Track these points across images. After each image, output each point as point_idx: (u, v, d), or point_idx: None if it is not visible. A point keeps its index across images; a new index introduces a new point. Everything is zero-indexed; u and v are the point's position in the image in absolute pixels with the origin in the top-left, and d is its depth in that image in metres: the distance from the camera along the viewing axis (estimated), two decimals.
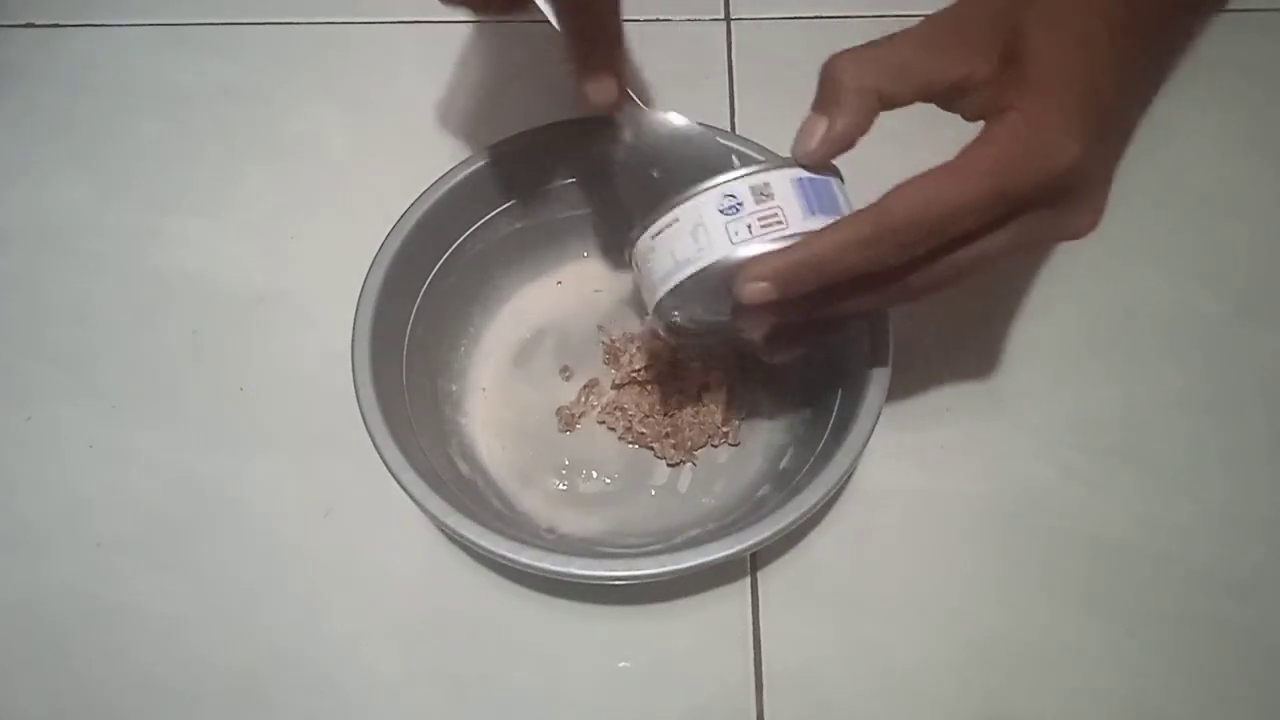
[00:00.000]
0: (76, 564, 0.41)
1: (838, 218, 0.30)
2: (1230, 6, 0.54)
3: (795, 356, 0.35)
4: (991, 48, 0.29)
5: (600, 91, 0.35)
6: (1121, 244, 0.47)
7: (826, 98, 0.30)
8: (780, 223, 0.30)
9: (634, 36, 0.54)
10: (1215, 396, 0.43)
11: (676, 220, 0.31)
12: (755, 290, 0.29)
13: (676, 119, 0.37)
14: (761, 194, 0.30)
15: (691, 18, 0.56)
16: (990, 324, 0.45)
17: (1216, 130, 0.51)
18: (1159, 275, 0.46)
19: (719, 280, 0.31)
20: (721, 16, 0.56)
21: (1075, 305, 0.46)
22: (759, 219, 0.30)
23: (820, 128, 0.30)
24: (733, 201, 0.30)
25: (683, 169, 0.34)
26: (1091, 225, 0.30)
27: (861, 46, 0.30)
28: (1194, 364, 0.44)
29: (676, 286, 0.31)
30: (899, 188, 0.28)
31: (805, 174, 0.31)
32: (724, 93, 0.53)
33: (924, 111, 0.31)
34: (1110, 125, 0.29)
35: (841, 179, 0.32)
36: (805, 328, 0.34)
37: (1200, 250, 0.47)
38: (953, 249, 0.29)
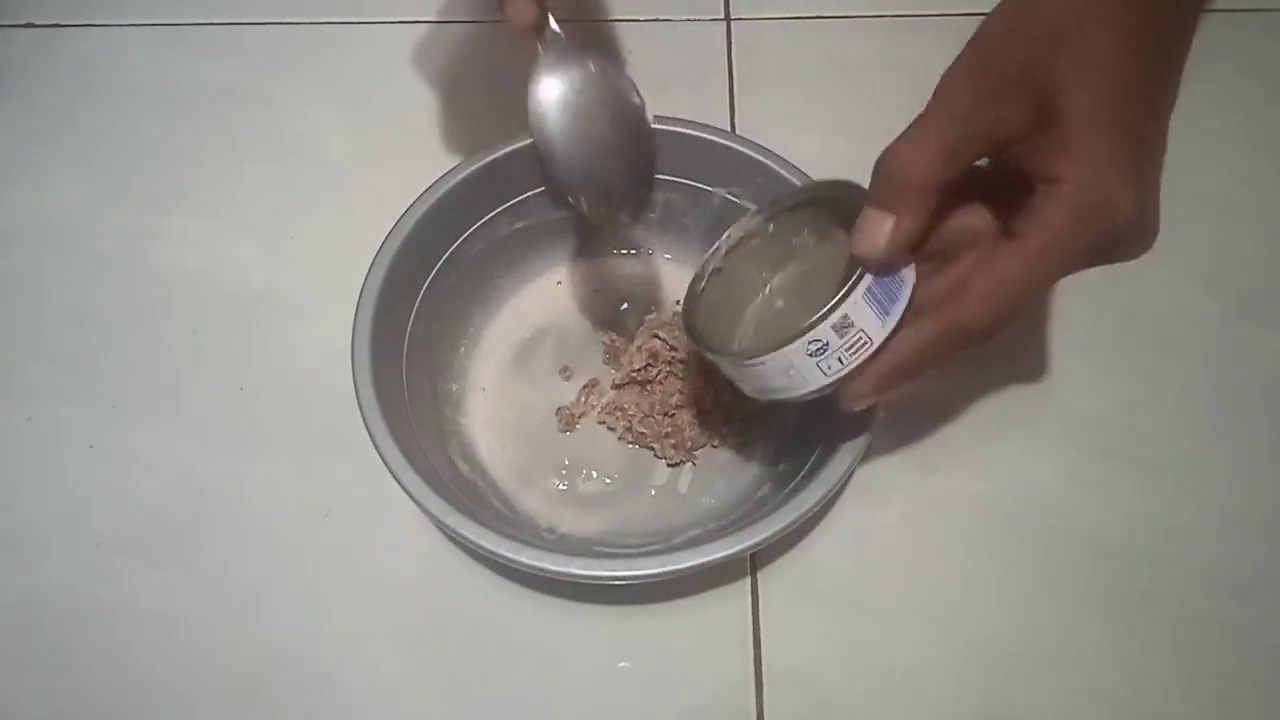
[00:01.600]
0: (76, 564, 0.41)
1: (905, 304, 0.30)
2: (1230, 7, 0.54)
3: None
4: (1029, 99, 0.28)
5: (520, 11, 0.34)
6: None
7: (887, 193, 0.28)
8: (866, 344, 0.30)
9: (634, 36, 0.54)
10: (1215, 396, 0.43)
11: (763, 364, 0.32)
12: (859, 405, 0.31)
13: (594, 61, 0.37)
14: (843, 327, 0.30)
15: (691, 18, 0.56)
16: None
17: (1216, 130, 0.51)
18: (1159, 275, 0.46)
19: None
20: (721, 16, 0.56)
21: (1075, 305, 0.46)
22: (847, 349, 0.30)
23: (886, 226, 0.28)
24: (819, 344, 0.30)
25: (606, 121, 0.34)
26: (1149, 246, 0.30)
27: (913, 130, 0.28)
28: (1194, 363, 0.44)
29: (771, 402, 0.33)
30: (972, 283, 0.28)
31: (873, 280, 0.30)
32: (724, 93, 0.53)
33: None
34: (1153, 155, 0.29)
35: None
36: None
37: (1200, 250, 0.47)
38: None
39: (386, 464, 0.35)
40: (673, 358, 0.43)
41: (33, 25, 0.57)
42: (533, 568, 0.33)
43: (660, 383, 0.43)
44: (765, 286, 0.37)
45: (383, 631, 0.39)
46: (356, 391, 0.36)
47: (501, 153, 0.41)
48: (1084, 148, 0.27)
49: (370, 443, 0.35)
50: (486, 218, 0.43)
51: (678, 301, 0.45)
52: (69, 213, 0.50)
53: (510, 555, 0.33)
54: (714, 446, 0.42)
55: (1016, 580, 0.39)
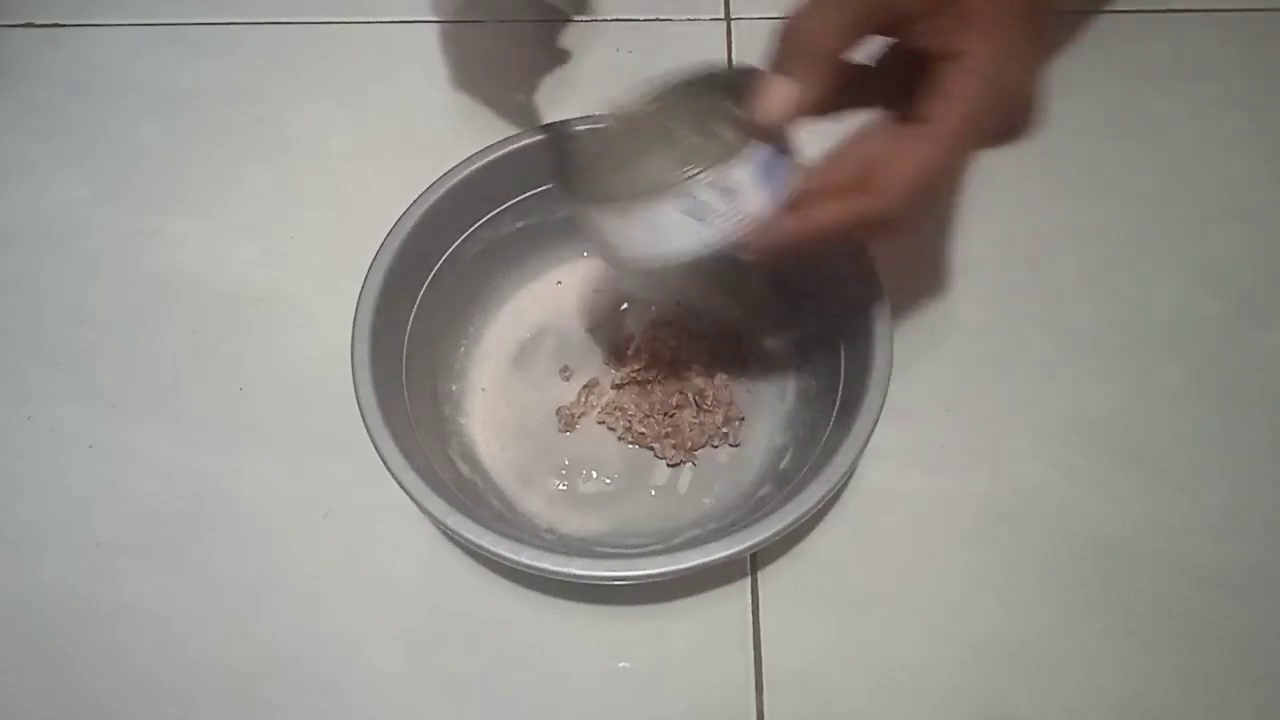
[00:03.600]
0: (76, 564, 0.41)
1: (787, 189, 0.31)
2: (1232, 6, 0.54)
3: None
4: None
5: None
6: (1121, 244, 0.47)
7: (787, 58, 0.29)
8: (741, 215, 0.31)
9: (634, 36, 0.54)
10: (1215, 396, 0.43)
11: (648, 212, 0.31)
12: (757, 257, 0.32)
13: None
14: (727, 190, 0.30)
15: (691, 18, 0.56)
16: (990, 324, 0.45)
17: (1216, 130, 0.51)
18: (1158, 275, 0.46)
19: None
20: (721, 16, 0.56)
21: (1075, 305, 0.46)
22: (725, 206, 0.30)
23: (785, 89, 0.29)
24: (698, 202, 0.30)
25: None
26: (1034, 127, 0.31)
27: (809, 3, 0.29)
28: (1194, 363, 0.44)
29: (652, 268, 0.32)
30: (889, 168, 0.29)
31: (765, 152, 0.30)
32: None
33: None
34: (1041, 42, 0.31)
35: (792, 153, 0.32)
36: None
37: (1200, 250, 0.47)
38: None
39: (386, 464, 0.35)
40: (673, 358, 0.43)
41: (32, 25, 0.57)
42: (533, 568, 0.33)
43: (660, 383, 0.43)
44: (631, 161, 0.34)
45: (383, 631, 0.39)
46: (356, 391, 0.36)
47: (501, 153, 0.41)
48: (985, 23, 0.29)
49: (370, 443, 0.35)
50: (486, 217, 0.43)
51: (678, 301, 0.45)
52: (69, 212, 0.50)
53: (510, 555, 0.33)
54: (714, 446, 0.42)
55: (1016, 580, 0.39)
